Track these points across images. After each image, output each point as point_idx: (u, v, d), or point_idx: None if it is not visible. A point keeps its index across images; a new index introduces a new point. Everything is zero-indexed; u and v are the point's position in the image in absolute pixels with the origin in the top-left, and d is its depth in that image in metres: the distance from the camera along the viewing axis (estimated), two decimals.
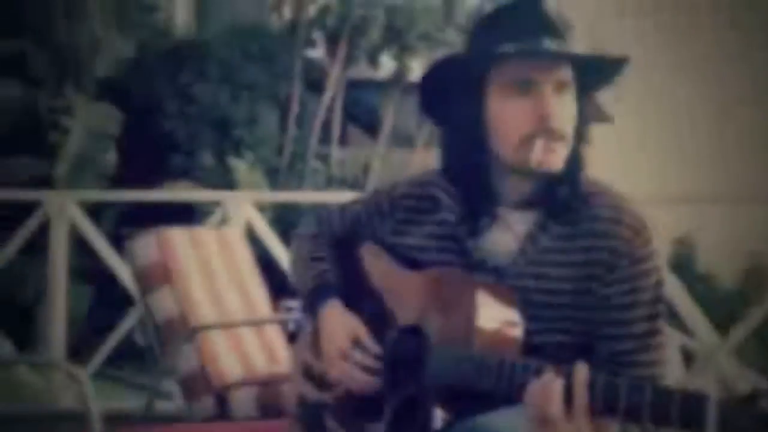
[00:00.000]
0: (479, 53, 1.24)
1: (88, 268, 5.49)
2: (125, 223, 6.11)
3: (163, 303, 2.20)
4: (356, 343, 1.32)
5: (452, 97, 1.26)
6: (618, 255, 1.22)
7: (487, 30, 1.25)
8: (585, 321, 1.23)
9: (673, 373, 1.31)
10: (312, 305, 1.40)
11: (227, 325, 2.30)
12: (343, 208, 1.49)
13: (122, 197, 5.70)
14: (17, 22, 6.94)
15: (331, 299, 1.38)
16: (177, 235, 2.31)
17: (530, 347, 1.19)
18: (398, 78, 11.10)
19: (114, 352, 3.72)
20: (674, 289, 3.11)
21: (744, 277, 9.68)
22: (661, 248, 1.27)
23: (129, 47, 7.52)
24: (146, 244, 2.23)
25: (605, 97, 1.33)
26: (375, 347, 1.30)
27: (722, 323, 3.33)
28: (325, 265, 1.44)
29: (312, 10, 10.85)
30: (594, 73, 1.26)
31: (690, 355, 3.19)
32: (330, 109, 10.51)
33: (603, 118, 1.32)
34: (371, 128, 11.67)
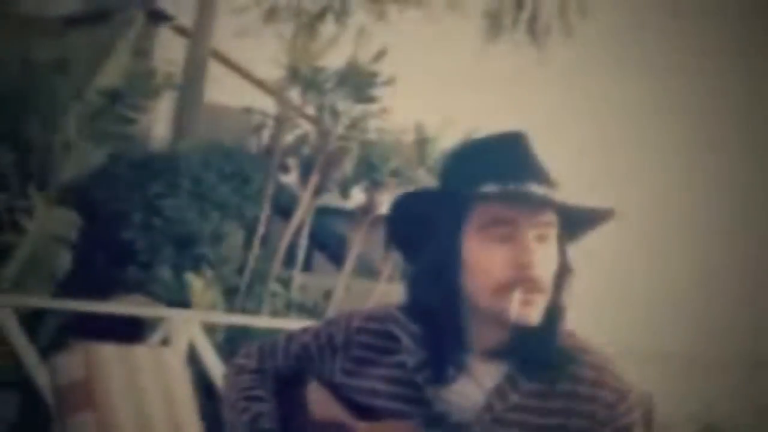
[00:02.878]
0: (460, 191, 1.13)
1: (18, 377, 5.14)
2: (70, 334, 5.82)
3: (83, 427, 1.98)
4: None
5: (424, 232, 1.15)
6: (598, 423, 1.08)
7: (466, 166, 1.14)
8: None
9: None
10: None
11: None
12: (290, 337, 1.33)
13: (60, 306, 5.44)
14: None
15: None
16: (107, 353, 2.13)
17: None
18: (367, 210, 11.17)
19: None
20: None
21: None
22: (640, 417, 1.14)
23: (100, 155, 7.48)
24: (71, 361, 2.04)
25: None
26: None
27: None
28: (262, 407, 1.27)
29: (290, 138, 11.05)
30: (575, 222, 1.16)
31: None
32: (296, 234, 10.47)
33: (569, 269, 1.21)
34: (336, 257, 11.59)
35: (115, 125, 7.84)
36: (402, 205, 1.17)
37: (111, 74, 7.48)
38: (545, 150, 1.18)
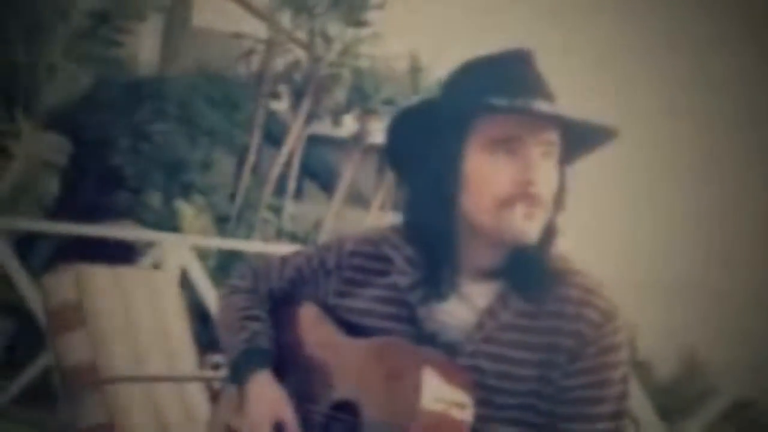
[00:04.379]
0: (462, 102, 1.10)
1: (12, 300, 5.16)
2: (61, 259, 5.82)
3: (73, 347, 1.98)
4: (278, 427, 1.15)
5: (424, 146, 1.12)
6: (585, 342, 1.08)
7: (471, 80, 1.11)
8: (543, 413, 1.08)
9: None
10: (239, 374, 1.23)
11: (142, 379, 2.08)
12: (283, 260, 1.32)
13: (51, 229, 5.43)
14: None
15: (260, 369, 1.20)
16: (98, 275, 2.10)
17: None
18: (359, 138, 11.09)
19: (32, 391, 3.48)
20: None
21: (679, 366, 9.75)
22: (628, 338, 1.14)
23: (87, 79, 7.33)
24: (62, 282, 2.02)
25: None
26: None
27: (659, 412, 3.27)
28: (259, 326, 1.26)
29: (280, 64, 10.85)
30: (578, 141, 1.14)
31: None
32: (288, 163, 10.40)
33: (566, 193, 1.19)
34: (328, 185, 11.57)
35: (102, 48, 7.66)
36: (402, 119, 1.13)
37: None
38: (548, 71, 1.15)
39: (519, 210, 1.06)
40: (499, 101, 1.06)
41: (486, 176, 1.08)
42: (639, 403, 3.11)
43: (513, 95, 1.07)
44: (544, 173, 1.09)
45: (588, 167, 1.22)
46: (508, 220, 1.07)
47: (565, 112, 1.09)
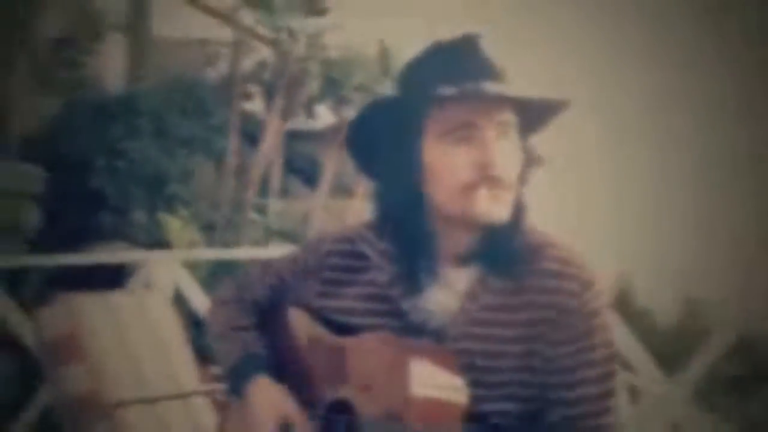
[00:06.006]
0: (415, 96, 1.14)
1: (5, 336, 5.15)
2: (54, 287, 5.79)
3: (74, 378, 1.99)
4: (285, 427, 1.17)
5: (385, 144, 1.15)
6: (566, 312, 1.11)
7: (421, 72, 1.15)
8: (533, 385, 1.11)
9: (620, 415, 1.21)
10: (237, 382, 1.25)
11: (147, 400, 2.09)
12: (264, 268, 1.35)
13: (34, 263, 5.36)
14: None
15: (257, 375, 1.23)
16: (89, 303, 2.11)
17: (474, 415, 1.07)
18: (337, 129, 11.07)
19: (34, 428, 3.47)
20: (616, 327, 3.09)
21: (681, 313, 9.86)
22: (608, 302, 1.18)
23: (53, 105, 7.28)
24: (54, 314, 2.03)
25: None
26: (306, 428, 1.17)
27: (662, 359, 3.33)
28: (249, 335, 1.29)
29: (248, 65, 10.79)
30: (532, 115, 1.17)
31: (635, 392, 3.16)
32: (269, 162, 10.37)
33: (535, 160, 1.23)
34: (311, 179, 11.56)
35: (67, 72, 7.61)
36: (360, 119, 1.16)
37: (54, 20, 7.20)
38: (505, 50, 1.17)
39: (483, 194, 1.10)
40: (448, 90, 1.09)
41: (446, 165, 1.12)
42: (636, 354, 3.16)
43: (462, 81, 1.10)
44: (503, 154, 1.12)
45: (578, 124, 1.25)
46: (475, 205, 1.10)
47: (511, 91, 1.12)
